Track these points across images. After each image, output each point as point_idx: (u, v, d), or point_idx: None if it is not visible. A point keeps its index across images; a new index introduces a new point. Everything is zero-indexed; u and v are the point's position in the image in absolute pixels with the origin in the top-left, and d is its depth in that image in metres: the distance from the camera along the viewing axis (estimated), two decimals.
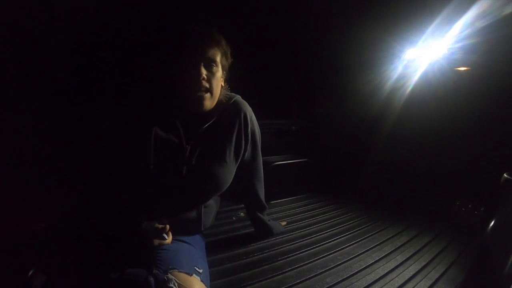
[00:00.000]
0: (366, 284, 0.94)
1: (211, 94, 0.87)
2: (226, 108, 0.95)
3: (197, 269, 0.74)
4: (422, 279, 0.98)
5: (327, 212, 1.64)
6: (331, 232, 1.35)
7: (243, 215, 1.53)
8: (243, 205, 1.65)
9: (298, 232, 1.33)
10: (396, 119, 1.91)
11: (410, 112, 1.85)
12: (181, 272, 0.70)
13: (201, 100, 0.85)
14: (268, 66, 2.15)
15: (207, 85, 0.85)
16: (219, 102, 0.93)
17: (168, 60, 0.89)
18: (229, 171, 0.94)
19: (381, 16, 1.63)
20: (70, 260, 0.75)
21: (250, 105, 1.04)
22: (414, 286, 0.94)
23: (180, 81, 0.85)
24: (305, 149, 2.17)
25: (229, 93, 0.98)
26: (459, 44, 1.57)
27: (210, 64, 0.85)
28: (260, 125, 1.09)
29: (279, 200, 1.78)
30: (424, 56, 1.75)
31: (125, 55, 1.49)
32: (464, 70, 1.66)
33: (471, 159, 1.57)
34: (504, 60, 1.41)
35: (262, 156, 1.18)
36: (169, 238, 0.82)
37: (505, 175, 0.90)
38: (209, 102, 0.87)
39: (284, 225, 1.39)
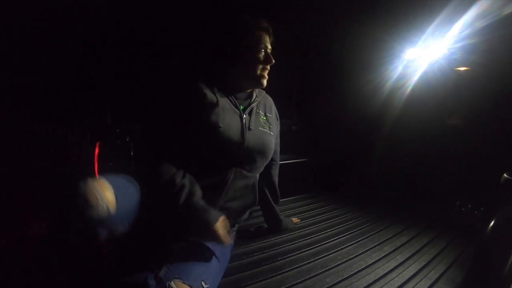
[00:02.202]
0: (366, 284, 0.93)
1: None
2: (263, 95, 1.12)
3: (203, 283, 0.74)
4: (422, 279, 0.98)
5: (327, 212, 1.64)
6: (331, 232, 1.35)
7: None
8: None
9: (298, 232, 1.33)
10: (396, 119, 1.91)
11: (410, 112, 1.85)
12: (184, 283, 0.69)
13: (265, 80, 1.00)
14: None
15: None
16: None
17: (228, 47, 0.98)
18: (273, 142, 1.08)
19: (381, 16, 1.63)
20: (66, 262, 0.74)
21: None
22: (414, 286, 0.94)
23: (249, 65, 0.97)
24: (305, 149, 2.17)
25: None
26: (459, 44, 1.57)
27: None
28: None
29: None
30: (424, 56, 1.75)
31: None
32: (464, 70, 1.66)
33: (471, 159, 1.57)
34: (504, 60, 1.41)
35: None
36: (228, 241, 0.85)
37: (505, 175, 0.90)
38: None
39: (297, 223, 1.42)
